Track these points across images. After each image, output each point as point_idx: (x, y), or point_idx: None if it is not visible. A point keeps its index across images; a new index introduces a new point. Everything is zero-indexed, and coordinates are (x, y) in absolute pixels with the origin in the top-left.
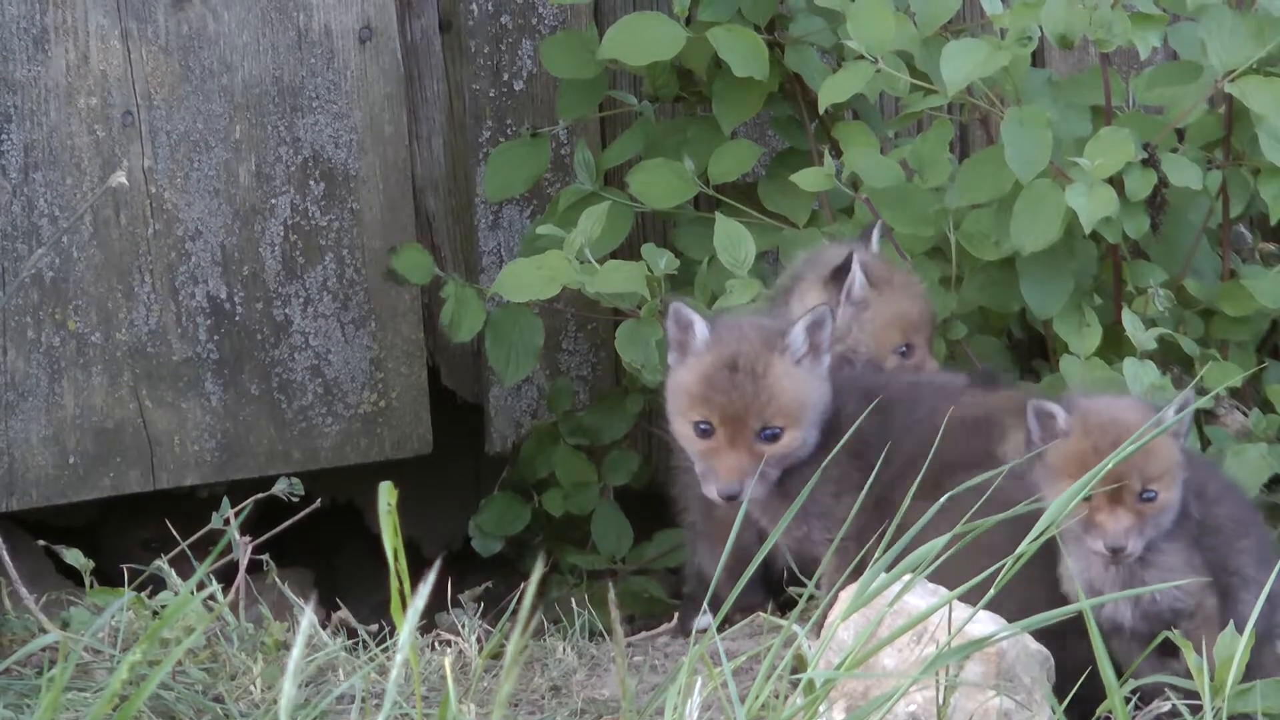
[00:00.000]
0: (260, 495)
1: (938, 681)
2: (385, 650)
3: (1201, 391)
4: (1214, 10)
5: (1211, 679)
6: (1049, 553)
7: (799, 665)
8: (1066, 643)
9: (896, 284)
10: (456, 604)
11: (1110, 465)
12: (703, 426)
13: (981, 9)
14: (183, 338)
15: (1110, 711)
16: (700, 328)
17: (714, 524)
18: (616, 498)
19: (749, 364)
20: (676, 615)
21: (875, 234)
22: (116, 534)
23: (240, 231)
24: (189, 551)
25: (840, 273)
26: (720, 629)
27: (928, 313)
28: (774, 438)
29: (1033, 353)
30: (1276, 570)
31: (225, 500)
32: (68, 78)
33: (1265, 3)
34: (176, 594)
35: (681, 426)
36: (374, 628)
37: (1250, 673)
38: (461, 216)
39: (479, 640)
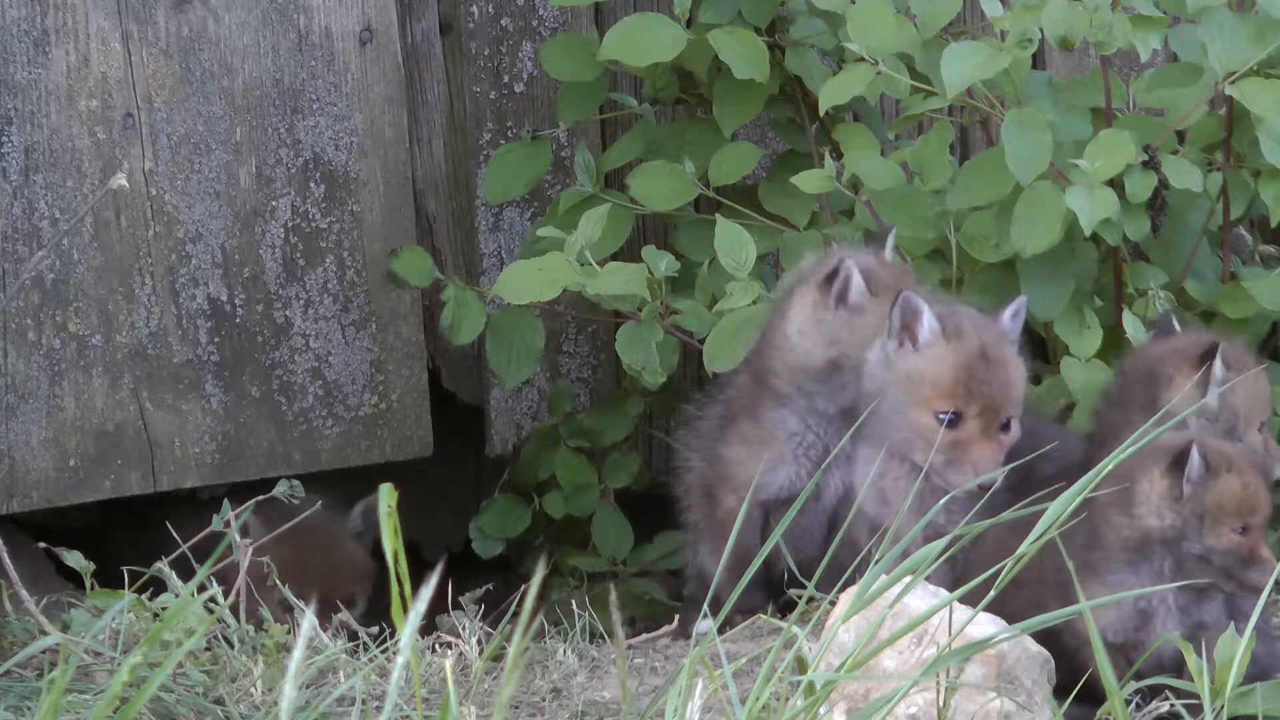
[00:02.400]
0: (261, 497)
1: (938, 683)
2: (386, 652)
3: None
4: (1214, 12)
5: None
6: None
7: (800, 667)
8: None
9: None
10: (457, 606)
11: None
12: (949, 416)
13: (982, 11)
14: (183, 340)
15: (1110, 713)
16: (929, 317)
17: (716, 524)
18: (617, 500)
19: (998, 354)
20: (677, 617)
21: (890, 240)
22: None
23: (241, 234)
24: (189, 554)
25: (832, 278)
26: (721, 631)
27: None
28: (1006, 427)
29: (1033, 355)
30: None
31: (226, 502)
32: (68, 80)
33: (1266, 5)
34: (177, 596)
35: (922, 416)
36: (374, 630)
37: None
38: (462, 219)
39: (479, 642)
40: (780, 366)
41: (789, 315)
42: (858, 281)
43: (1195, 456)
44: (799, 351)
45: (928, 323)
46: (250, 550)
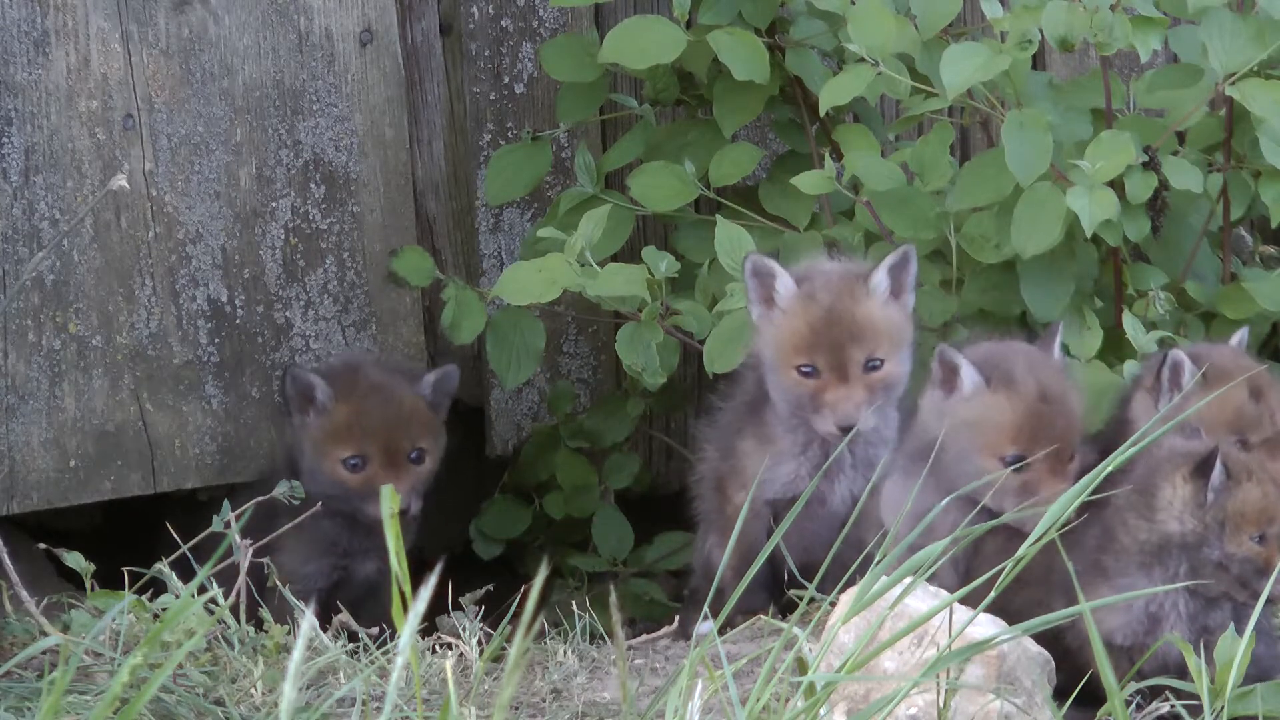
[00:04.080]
0: (261, 498)
1: (938, 684)
2: (386, 653)
3: None
4: (1215, 13)
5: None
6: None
7: (800, 668)
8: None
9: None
10: (457, 607)
11: None
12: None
13: (982, 12)
14: (183, 341)
15: (1110, 714)
16: (785, 280)
17: (725, 518)
18: (617, 501)
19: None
20: (677, 618)
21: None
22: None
23: (241, 234)
24: (190, 555)
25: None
26: (721, 632)
27: None
28: (876, 368)
29: None
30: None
31: (226, 503)
32: (68, 81)
33: (1266, 5)
34: (177, 597)
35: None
36: (374, 631)
37: None
38: (462, 219)
39: (480, 643)
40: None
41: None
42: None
43: (1219, 464)
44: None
45: (784, 285)
46: (250, 552)
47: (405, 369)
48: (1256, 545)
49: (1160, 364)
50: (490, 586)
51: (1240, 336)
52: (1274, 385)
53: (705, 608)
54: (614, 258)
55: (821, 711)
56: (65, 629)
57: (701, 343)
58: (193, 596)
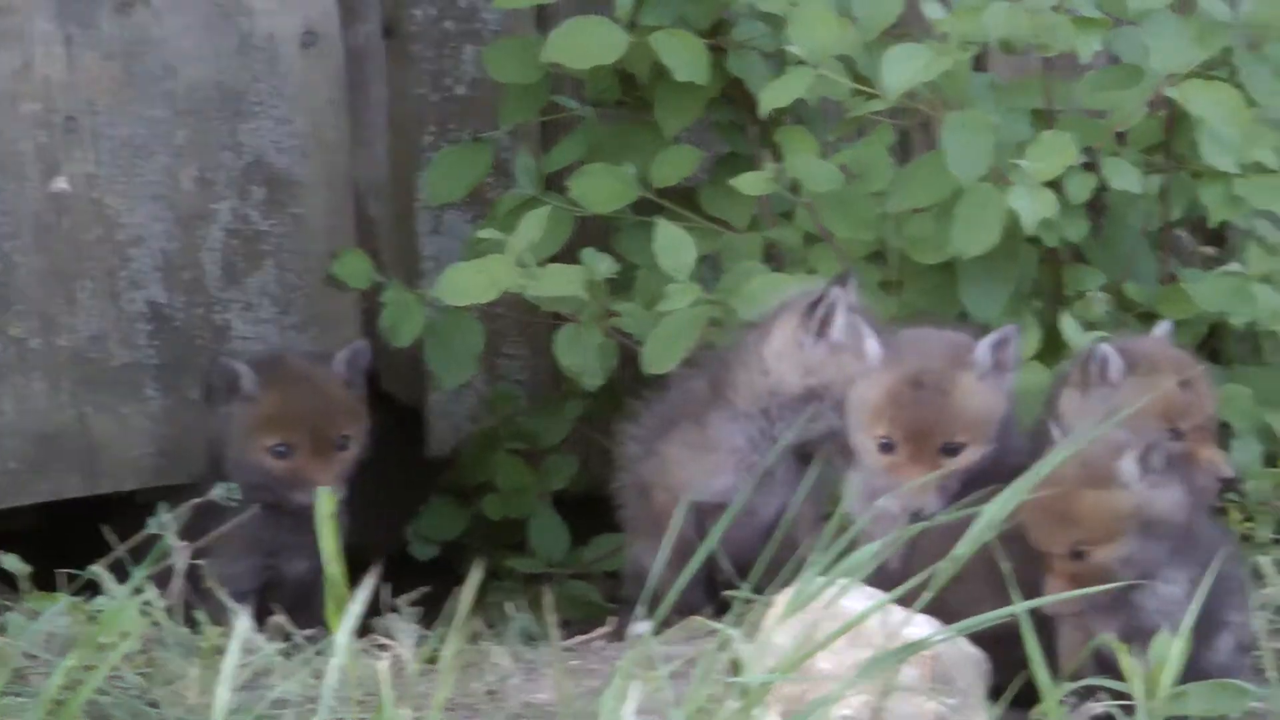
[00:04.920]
0: (199, 500)
1: (874, 685)
2: (321, 655)
3: None
4: (1156, 14)
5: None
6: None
7: (735, 669)
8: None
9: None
10: (393, 609)
11: None
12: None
13: (923, 13)
14: (123, 343)
15: (1045, 713)
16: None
17: (650, 520)
18: (554, 502)
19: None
20: (614, 619)
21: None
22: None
23: (181, 237)
24: (127, 557)
25: (814, 306)
26: (657, 633)
27: None
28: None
29: None
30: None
31: (163, 506)
32: (10, 83)
33: (1207, 6)
34: (113, 599)
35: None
36: (310, 632)
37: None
38: (403, 221)
39: (416, 645)
40: (745, 385)
41: (770, 339)
42: (841, 315)
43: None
44: (774, 376)
45: (871, 349)
46: (187, 554)
47: (320, 354)
48: None
49: (1087, 359)
50: (427, 588)
51: (1165, 327)
52: (1203, 374)
53: (639, 607)
54: (554, 259)
55: (757, 713)
56: (0, 631)
57: (640, 344)
58: (129, 598)
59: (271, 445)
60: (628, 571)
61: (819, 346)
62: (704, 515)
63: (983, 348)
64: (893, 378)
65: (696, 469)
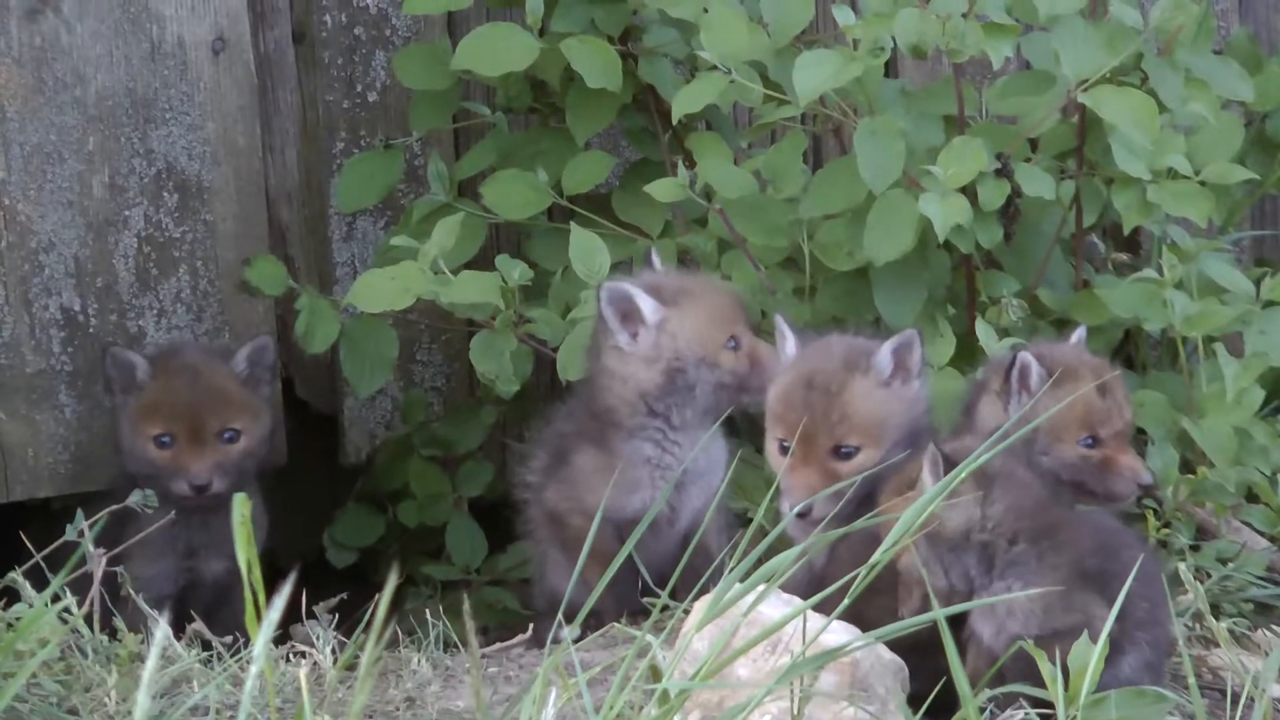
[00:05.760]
0: (115, 507)
1: (792, 692)
2: (240, 661)
3: None
4: (1066, 20)
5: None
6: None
7: (654, 676)
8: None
9: (695, 291)
10: (311, 615)
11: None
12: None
13: (834, 20)
14: (36, 350)
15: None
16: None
17: (567, 544)
18: (470, 509)
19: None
20: (531, 626)
21: (653, 255)
22: None
23: (94, 243)
24: (44, 564)
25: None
26: (576, 640)
27: (741, 305)
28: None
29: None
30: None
31: (80, 512)
32: None
33: (1117, 12)
34: (31, 606)
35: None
36: (228, 639)
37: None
38: (315, 228)
39: (334, 652)
40: (618, 402)
41: (600, 355)
42: (644, 300)
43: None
44: (631, 382)
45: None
46: (105, 559)
47: (222, 349)
48: None
49: (1009, 367)
50: (344, 595)
51: (1079, 334)
52: (1120, 380)
53: (563, 618)
54: (467, 266)
55: (675, 719)
56: None
57: (555, 350)
58: (46, 605)
59: (155, 435)
60: (538, 594)
61: (643, 335)
62: (621, 529)
63: (884, 352)
64: (788, 380)
65: (607, 489)
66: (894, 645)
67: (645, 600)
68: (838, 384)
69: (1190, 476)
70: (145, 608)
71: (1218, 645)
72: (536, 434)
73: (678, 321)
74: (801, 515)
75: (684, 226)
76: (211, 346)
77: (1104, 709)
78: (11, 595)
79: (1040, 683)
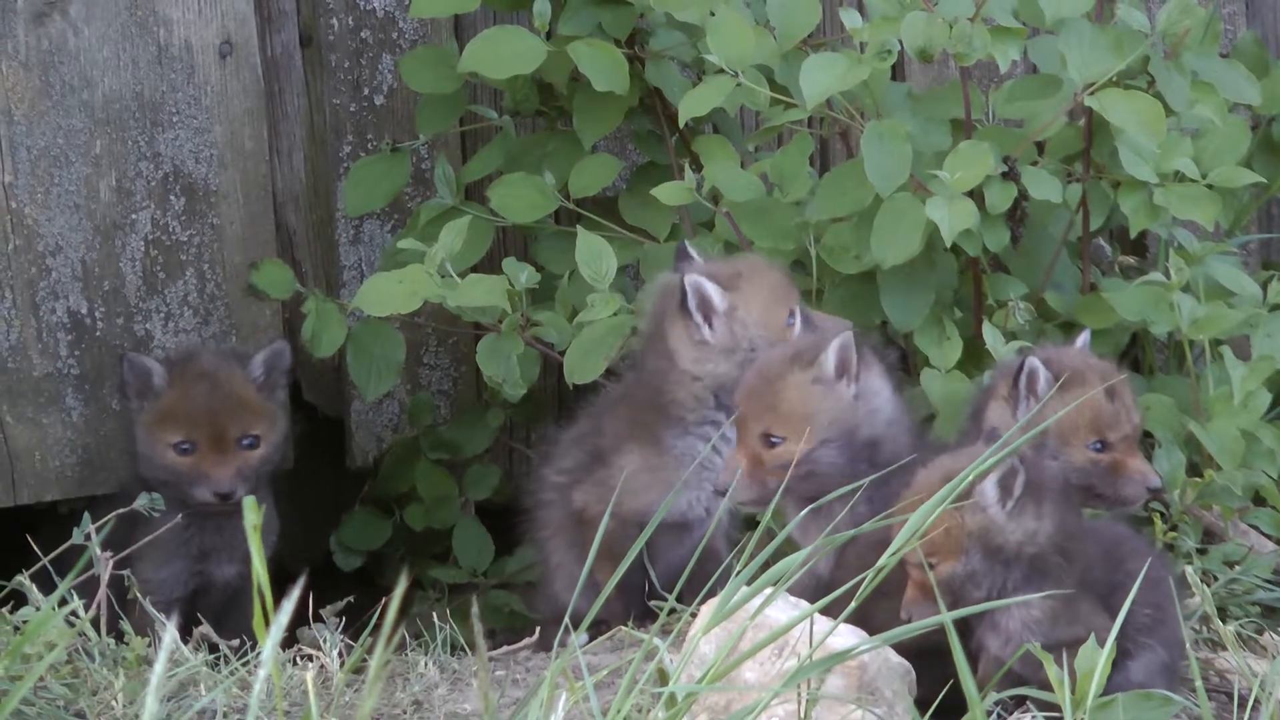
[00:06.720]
0: (122, 510)
1: (799, 695)
2: (247, 665)
3: None
4: (1073, 23)
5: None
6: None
7: (661, 679)
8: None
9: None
10: (318, 619)
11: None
12: None
13: (841, 23)
14: (43, 353)
15: None
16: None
17: (581, 548)
18: (478, 512)
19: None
20: (539, 629)
21: (688, 246)
22: None
23: (101, 247)
24: (51, 567)
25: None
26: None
27: (789, 276)
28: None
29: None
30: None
31: (87, 515)
32: None
33: (1124, 16)
34: (38, 609)
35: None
36: (235, 643)
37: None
38: (322, 231)
39: (341, 655)
40: (687, 396)
41: (671, 351)
42: (713, 290)
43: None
44: (709, 375)
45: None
46: (112, 562)
47: (239, 354)
48: None
49: (1017, 372)
50: (351, 598)
51: (1084, 338)
52: (1127, 384)
53: (570, 622)
54: (474, 269)
55: None
56: None
57: (562, 354)
58: (54, 609)
59: (175, 442)
60: (543, 603)
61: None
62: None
63: (829, 351)
64: (752, 366)
65: (655, 491)
66: (901, 649)
67: (652, 604)
68: (776, 374)
69: (1197, 479)
70: (153, 611)
71: (1225, 648)
72: (563, 432)
73: (744, 307)
74: (719, 493)
75: (691, 230)
76: (226, 351)
77: (1111, 712)
78: (19, 599)
79: (1046, 687)
